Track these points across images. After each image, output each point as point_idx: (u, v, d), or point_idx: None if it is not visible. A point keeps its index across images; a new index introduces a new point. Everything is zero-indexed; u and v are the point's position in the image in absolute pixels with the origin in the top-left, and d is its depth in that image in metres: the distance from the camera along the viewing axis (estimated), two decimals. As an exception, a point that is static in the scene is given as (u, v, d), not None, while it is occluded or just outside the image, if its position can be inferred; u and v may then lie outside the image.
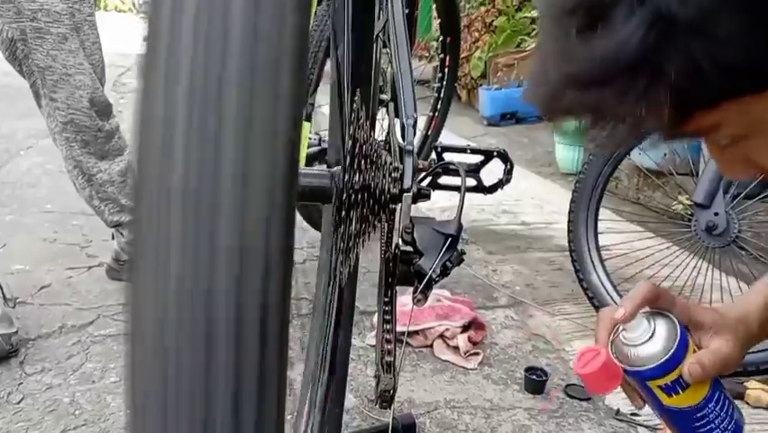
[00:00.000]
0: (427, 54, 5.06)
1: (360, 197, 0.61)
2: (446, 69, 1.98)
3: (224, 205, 0.26)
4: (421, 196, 0.65)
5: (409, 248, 0.63)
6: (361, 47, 0.78)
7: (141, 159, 0.27)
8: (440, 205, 2.19)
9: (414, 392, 1.27)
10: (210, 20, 0.26)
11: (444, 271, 0.61)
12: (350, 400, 1.22)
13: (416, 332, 1.42)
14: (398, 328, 1.30)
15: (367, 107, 0.73)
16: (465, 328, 1.43)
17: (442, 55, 1.97)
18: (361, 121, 0.63)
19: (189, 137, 0.26)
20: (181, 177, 0.26)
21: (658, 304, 0.61)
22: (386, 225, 0.70)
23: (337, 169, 0.63)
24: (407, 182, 0.62)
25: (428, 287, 0.59)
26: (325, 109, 1.14)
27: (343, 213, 0.59)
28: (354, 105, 0.63)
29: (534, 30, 3.86)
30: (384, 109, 1.12)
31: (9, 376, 1.24)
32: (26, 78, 1.35)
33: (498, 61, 4.00)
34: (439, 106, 2.02)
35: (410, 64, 0.74)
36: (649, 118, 0.39)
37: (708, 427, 0.61)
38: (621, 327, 0.62)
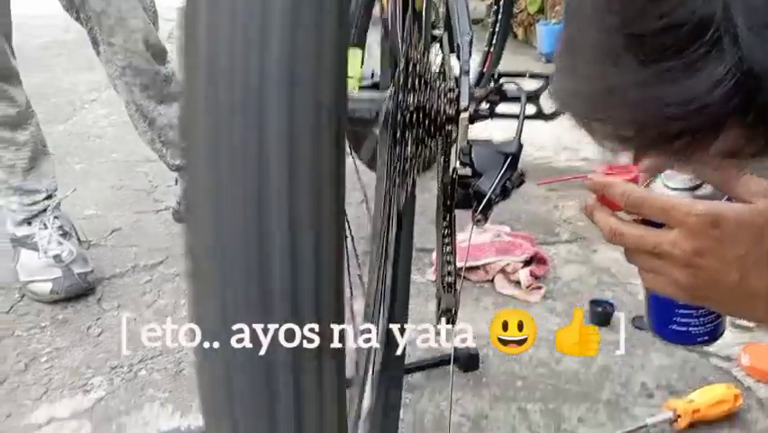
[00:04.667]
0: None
1: (413, 117, 0.59)
2: (501, 1, 1.90)
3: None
4: (478, 117, 0.63)
5: (468, 171, 0.62)
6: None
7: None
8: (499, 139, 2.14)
9: (476, 324, 1.26)
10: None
11: (505, 192, 0.60)
12: (410, 333, 1.23)
13: (477, 267, 1.41)
14: (458, 264, 1.30)
15: (419, 26, 0.71)
16: (527, 263, 1.42)
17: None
18: (413, 40, 0.61)
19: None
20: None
21: None
22: (443, 149, 0.69)
23: (389, 91, 0.61)
24: (464, 102, 0.60)
25: (488, 207, 0.58)
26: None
27: (397, 134, 0.57)
28: (406, 24, 0.61)
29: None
30: (438, 45, 1.09)
31: (88, 312, 1.31)
32: (83, 26, 1.37)
33: (558, -9, 3.82)
34: (494, 41, 1.95)
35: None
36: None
37: (689, 314, 0.57)
38: (655, 179, 0.54)
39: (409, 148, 0.62)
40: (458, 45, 0.63)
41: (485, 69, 1.92)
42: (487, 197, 0.58)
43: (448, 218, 0.64)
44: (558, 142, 2.34)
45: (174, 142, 1.56)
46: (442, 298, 0.56)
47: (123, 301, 1.35)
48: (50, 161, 1.45)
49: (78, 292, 1.33)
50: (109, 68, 1.43)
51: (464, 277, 1.40)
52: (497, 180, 0.58)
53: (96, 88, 3.31)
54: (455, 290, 0.57)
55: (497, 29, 1.91)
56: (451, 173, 0.65)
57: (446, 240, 0.62)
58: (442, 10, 1.05)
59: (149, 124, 1.51)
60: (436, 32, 1.11)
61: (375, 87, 1.07)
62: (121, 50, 1.38)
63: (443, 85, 0.63)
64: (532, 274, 1.37)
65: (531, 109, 0.97)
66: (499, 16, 1.91)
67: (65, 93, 3.25)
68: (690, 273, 0.47)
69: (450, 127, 0.63)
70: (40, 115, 1.44)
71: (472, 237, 1.47)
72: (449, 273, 0.59)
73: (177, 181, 1.70)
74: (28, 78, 1.43)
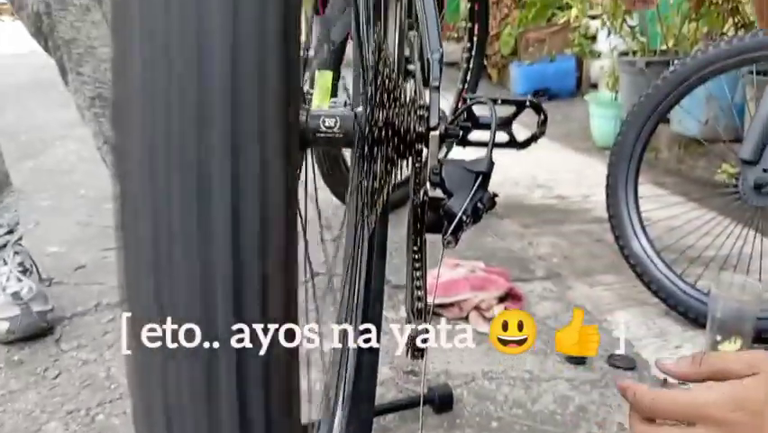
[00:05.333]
0: (456, 35, 4.99)
1: (383, 135, 0.57)
2: (474, 38, 1.93)
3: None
4: (449, 136, 0.61)
5: (438, 193, 0.60)
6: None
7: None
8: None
9: (450, 364, 1.23)
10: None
11: (476, 213, 0.57)
12: (384, 371, 1.20)
13: (451, 304, 1.38)
14: (431, 300, 1.27)
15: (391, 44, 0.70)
16: (501, 300, 1.39)
17: (470, 24, 1.92)
18: (383, 54, 0.60)
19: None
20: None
21: None
22: (413, 169, 0.67)
23: (357, 109, 0.60)
24: (434, 120, 0.59)
25: (459, 228, 0.56)
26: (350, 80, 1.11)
27: (366, 151, 0.55)
28: (375, 37, 0.60)
29: (565, 2, 3.76)
30: (412, 80, 1.08)
31: (45, 353, 1.25)
32: (51, 54, 1.35)
33: (529, 36, 3.92)
34: (468, 78, 1.97)
35: (436, 4, 0.70)
36: None
37: None
38: None
39: (379, 166, 0.60)
40: (427, 60, 0.61)
41: (458, 105, 1.94)
42: (458, 217, 0.55)
43: (419, 243, 0.62)
44: (532, 179, 2.36)
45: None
46: (411, 325, 0.54)
47: (84, 341, 1.29)
48: (13, 195, 1.40)
49: (36, 332, 1.27)
50: (77, 97, 1.40)
51: (439, 314, 1.38)
52: (468, 201, 0.56)
53: (69, 125, 3.28)
54: (426, 315, 0.55)
55: (470, 65, 1.94)
56: (421, 195, 0.63)
57: (417, 265, 0.60)
58: (416, 43, 1.05)
59: (117, 157, 1.48)
60: (411, 67, 1.11)
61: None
62: (90, 81, 1.36)
63: (413, 103, 0.62)
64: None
65: (503, 137, 0.95)
66: (472, 53, 1.93)
67: (37, 130, 3.21)
68: None
69: (420, 146, 0.61)
70: (10, 153, 1.40)
71: (447, 273, 1.45)
72: (419, 299, 0.56)
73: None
74: (1, 116, 1.40)
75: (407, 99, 0.60)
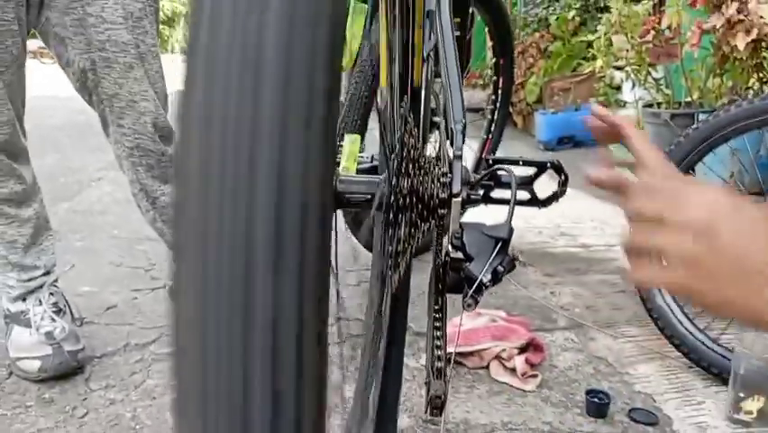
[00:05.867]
0: (481, 82, 5.07)
1: (407, 201, 0.60)
2: (499, 91, 1.98)
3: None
4: (471, 201, 0.64)
5: (459, 255, 0.63)
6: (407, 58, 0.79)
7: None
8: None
9: (469, 414, 1.24)
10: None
11: (496, 277, 0.60)
12: (404, 420, 1.21)
13: (472, 353, 1.39)
14: (451, 349, 1.28)
15: (415, 113, 0.73)
16: (522, 350, 1.40)
17: (495, 77, 1.97)
18: (410, 126, 0.64)
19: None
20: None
21: None
22: (436, 232, 0.70)
23: (384, 175, 0.63)
24: (456, 187, 0.62)
25: (478, 292, 0.58)
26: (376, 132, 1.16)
27: (391, 217, 0.59)
28: (402, 110, 0.63)
29: (590, 53, 3.81)
30: (437, 131, 1.12)
31: (74, 391, 1.29)
32: (95, 108, 1.42)
33: (554, 85, 3.97)
34: (493, 129, 2.01)
35: (460, 72, 0.74)
36: None
37: None
38: None
39: (403, 230, 0.63)
40: (451, 131, 0.65)
41: (483, 156, 1.98)
42: (477, 281, 0.58)
43: (440, 302, 0.64)
44: (556, 227, 2.37)
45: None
46: (431, 384, 0.56)
47: (112, 381, 1.32)
48: (51, 238, 1.46)
49: (67, 371, 1.31)
50: (117, 148, 1.47)
51: (460, 362, 1.39)
52: (487, 265, 0.59)
53: (105, 168, 3.39)
54: (445, 375, 0.57)
55: (495, 117, 1.98)
56: (443, 256, 0.66)
57: (437, 324, 0.62)
58: (441, 98, 1.10)
59: (151, 203, 1.54)
60: (436, 119, 1.15)
61: (374, 170, 1.11)
62: (129, 132, 1.42)
63: (436, 169, 0.65)
64: (527, 362, 1.35)
65: (524, 195, 0.98)
66: (498, 105, 1.98)
67: (74, 173, 3.32)
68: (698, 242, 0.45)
69: (442, 211, 0.64)
70: (47, 194, 1.47)
71: (468, 322, 1.46)
72: (439, 358, 0.58)
73: (175, 260, 1.71)
74: (40, 158, 1.47)
75: (431, 166, 0.64)
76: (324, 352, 0.28)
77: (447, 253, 0.64)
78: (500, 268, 0.60)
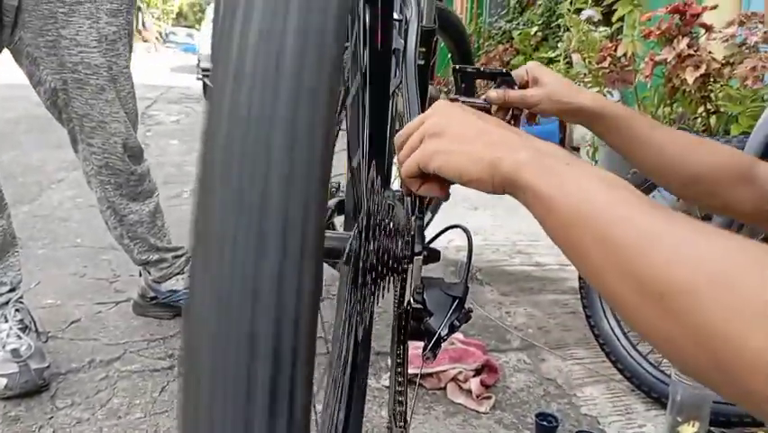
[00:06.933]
0: (446, 89, 5.16)
1: (374, 260, 0.66)
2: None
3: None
4: (431, 259, 0.70)
5: (419, 306, 0.68)
6: (377, 111, 0.85)
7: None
8: (455, 244, 2.24)
9: (426, 434, 1.30)
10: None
11: (452, 330, 0.66)
12: (364, 440, 1.26)
13: (430, 374, 1.45)
14: (413, 370, 1.34)
15: (382, 177, 0.79)
16: (478, 372, 1.47)
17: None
18: (376, 189, 0.69)
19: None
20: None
21: None
22: (398, 282, 0.76)
23: (354, 233, 0.69)
24: (418, 247, 0.68)
25: (437, 345, 0.64)
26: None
27: (359, 276, 0.64)
28: (370, 176, 0.69)
29: (551, 69, 3.92)
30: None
31: (40, 410, 1.30)
32: (64, 125, 1.44)
33: (516, 100, 4.07)
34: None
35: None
36: None
37: None
38: None
39: (369, 283, 0.69)
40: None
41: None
42: (436, 335, 0.64)
43: (401, 349, 0.70)
44: (513, 245, 2.46)
45: (142, 237, 1.60)
46: (392, 430, 0.61)
47: (77, 399, 1.34)
48: (17, 255, 1.47)
49: (33, 389, 1.33)
50: (86, 165, 1.49)
51: (417, 382, 1.45)
52: (445, 321, 0.65)
53: (65, 168, 3.35)
54: (406, 421, 0.62)
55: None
56: (405, 306, 0.71)
57: (399, 371, 0.68)
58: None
59: (119, 220, 1.56)
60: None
61: (341, 204, 1.16)
62: (99, 151, 1.45)
63: (400, 229, 0.71)
64: (482, 384, 1.42)
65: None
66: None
67: (33, 172, 3.28)
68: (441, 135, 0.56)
69: (404, 265, 0.70)
70: (7, 196, 1.46)
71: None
72: (400, 403, 0.64)
73: (140, 273, 1.73)
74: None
75: (395, 228, 0.69)
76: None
77: (409, 303, 0.70)
78: (456, 323, 0.67)
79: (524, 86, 0.97)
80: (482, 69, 1.10)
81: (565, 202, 0.44)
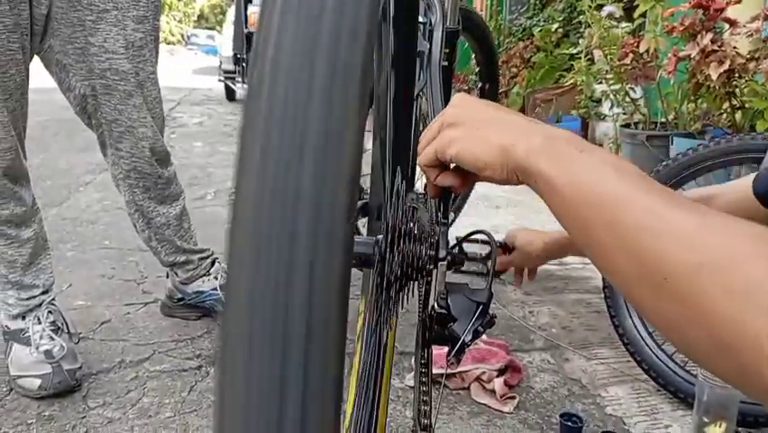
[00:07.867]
0: (466, 87, 5.14)
1: (398, 265, 0.67)
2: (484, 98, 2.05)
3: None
4: (455, 263, 0.71)
5: (444, 311, 0.69)
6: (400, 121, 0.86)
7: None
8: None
9: (451, 434, 1.31)
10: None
11: (476, 335, 0.67)
12: (389, 440, 1.27)
13: (454, 374, 1.46)
14: (437, 371, 1.35)
15: (407, 183, 0.80)
16: (501, 372, 1.47)
17: (480, 83, 2.05)
18: (401, 197, 0.70)
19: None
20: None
21: None
22: (423, 286, 0.77)
23: (380, 237, 0.70)
24: (442, 252, 0.69)
25: (461, 351, 0.65)
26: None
27: (384, 280, 0.65)
28: (395, 184, 0.70)
29: (572, 66, 3.90)
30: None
31: (73, 409, 1.34)
32: (94, 131, 1.47)
33: (537, 97, 4.05)
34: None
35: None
36: None
37: None
38: None
39: (394, 287, 0.70)
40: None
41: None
42: (461, 341, 0.65)
43: (425, 355, 0.71)
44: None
45: (169, 240, 1.63)
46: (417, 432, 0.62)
47: (108, 399, 1.38)
48: (49, 258, 1.51)
49: (66, 389, 1.36)
50: (114, 169, 1.52)
51: (442, 383, 1.46)
52: (469, 326, 0.65)
53: (92, 171, 3.42)
54: (430, 425, 0.63)
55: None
56: (429, 311, 0.72)
57: (423, 378, 0.69)
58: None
59: (147, 223, 1.59)
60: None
61: (365, 207, 1.17)
62: (127, 156, 1.48)
63: (424, 233, 0.72)
64: (506, 384, 1.43)
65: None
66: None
67: (61, 175, 3.34)
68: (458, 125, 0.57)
69: (429, 268, 0.71)
70: (36, 199, 1.50)
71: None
72: (425, 414, 0.65)
73: (167, 274, 1.76)
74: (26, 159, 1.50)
75: (420, 232, 0.70)
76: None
77: (433, 309, 0.71)
78: (480, 328, 0.67)
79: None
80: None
81: (576, 188, 0.45)
